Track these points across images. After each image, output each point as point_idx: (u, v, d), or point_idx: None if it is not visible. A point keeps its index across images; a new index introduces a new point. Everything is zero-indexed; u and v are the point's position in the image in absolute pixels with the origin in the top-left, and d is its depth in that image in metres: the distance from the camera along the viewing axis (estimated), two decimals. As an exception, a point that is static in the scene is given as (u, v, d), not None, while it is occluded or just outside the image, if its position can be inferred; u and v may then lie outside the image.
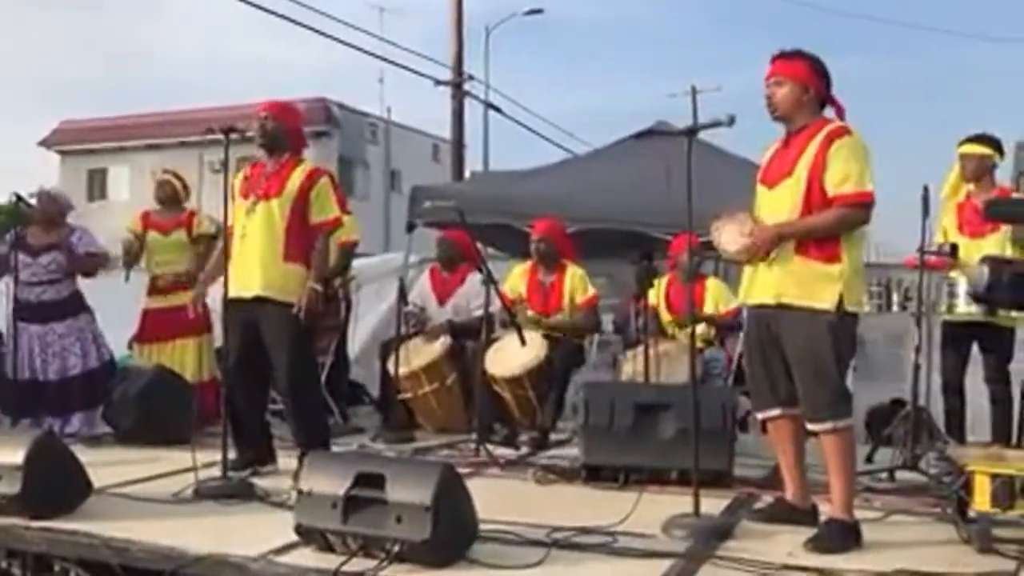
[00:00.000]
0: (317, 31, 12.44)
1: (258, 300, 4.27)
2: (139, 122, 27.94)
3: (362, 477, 3.02)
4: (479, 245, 5.57)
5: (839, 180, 3.27)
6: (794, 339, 3.33)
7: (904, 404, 5.61)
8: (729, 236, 3.41)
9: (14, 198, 5.57)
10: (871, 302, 7.74)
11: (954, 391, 4.99)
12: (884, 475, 4.46)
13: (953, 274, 4.93)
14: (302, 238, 4.32)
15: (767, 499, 3.89)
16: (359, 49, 13.66)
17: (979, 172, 4.93)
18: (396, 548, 2.90)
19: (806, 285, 3.29)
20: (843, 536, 3.27)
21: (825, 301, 3.27)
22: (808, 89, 3.40)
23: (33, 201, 5.74)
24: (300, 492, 3.11)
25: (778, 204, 3.38)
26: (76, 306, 5.75)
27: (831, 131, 3.33)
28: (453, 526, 2.96)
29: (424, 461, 3.40)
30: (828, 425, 3.28)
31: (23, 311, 5.47)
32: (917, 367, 4.70)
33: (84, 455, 4.72)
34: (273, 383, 4.52)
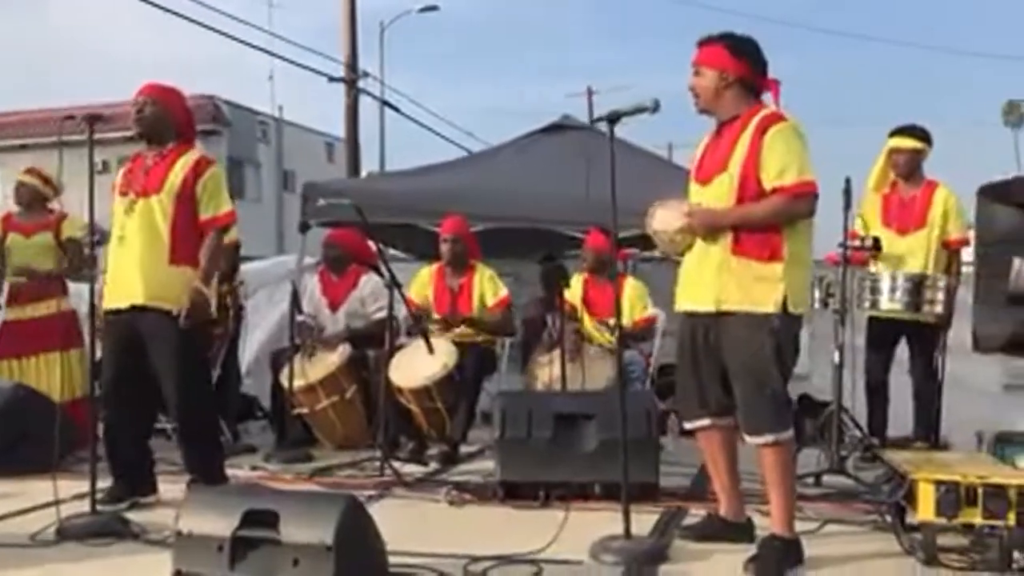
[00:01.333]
0: (201, 24, 11.77)
1: (139, 309, 3.79)
2: (10, 120, 26.32)
3: (252, 515, 2.60)
4: (380, 246, 5.13)
5: (776, 172, 3.02)
6: (735, 347, 3.07)
7: (812, 400, 5.51)
8: (663, 218, 3.13)
9: None
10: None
11: (877, 389, 4.86)
12: (810, 480, 4.27)
13: (874, 268, 4.80)
14: (189, 238, 3.85)
15: (696, 511, 3.65)
16: (248, 44, 13.14)
17: (912, 166, 4.82)
18: (293, 596, 2.50)
19: (746, 288, 3.03)
20: (785, 554, 3.04)
21: (768, 304, 3.02)
22: (726, 76, 3.14)
23: None
24: (179, 534, 2.67)
25: (714, 200, 3.12)
26: None
27: (763, 119, 3.08)
28: (359, 567, 2.58)
29: (323, 494, 3.01)
30: (768, 438, 3.03)
31: None
32: (840, 366, 4.54)
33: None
34: (162, 402, 4.03)
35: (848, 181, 4.46)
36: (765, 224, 3.04)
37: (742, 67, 3.15)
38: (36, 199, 5.52)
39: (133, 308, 3.81)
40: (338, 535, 2.50)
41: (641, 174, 6.07)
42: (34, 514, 3.68)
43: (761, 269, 3.03)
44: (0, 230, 5.48)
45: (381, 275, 4.97)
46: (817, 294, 4.56)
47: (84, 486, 3.64)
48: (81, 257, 5.20)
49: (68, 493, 3.65)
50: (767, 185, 3.03)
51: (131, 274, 3.81)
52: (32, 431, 4.61)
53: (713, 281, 3.08)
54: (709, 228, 3.08)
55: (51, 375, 5.22)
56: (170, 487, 3.98)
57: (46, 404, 4.85)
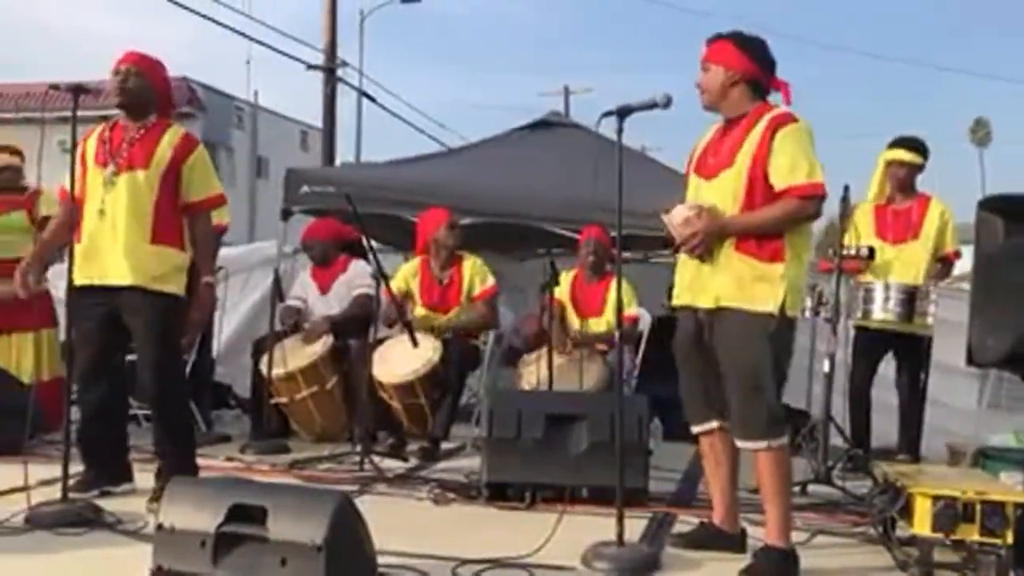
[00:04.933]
0: (179, 4, 11.54)
1: (119, 288, 3.64)
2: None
3: (238, 509, 2.49)
4: (369, 238, 5.00)
5: (787, 171, 2.95)
6: (729, 346, 3.00)
7: (789, 409, 5.47)
8: (677, 211, 3.05)
9: None
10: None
11: (861, 400, 4.84)
12: (796, 489, 4.22)
13: (866, 279, 4.77)
14: (172, 216, 3.71)
15: (685, 519, 3.58)
16: (225, 26, 12.82)
17: (910, 179, 4.81)
18: (279, 596, 2.40)
19: (746, 286, 2.97)
20: (781, 565, 2.98)
21: (766, 304, 2.96)
22: (734, 73, 3.08)
23: None
24: (160, 527, 2.55)
25: (719, 196, 3.04)
26: None
27: (774, 118, 3.02)
28: (350, 569, 2.48)
29: (314, 490, 2.88)
30: (762, 444, 2.97)
31: None
32: (829, 375, 4.50)
33: None
34: (136, 384, 3.89)
35: (846, 189, 4.42)
36: (773, 230, 2.98)
37: (750, 65, 3.10)
38: (13, 177, 5.34)
39: (112, 287, 3.65)
40: (329, 535, 2.39)
41: (628, 173, 6.01)
42: (1, 499, 3.53)
43: (763, 268, 2.97)
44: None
45: (367, 261, 4.86)
46: (809, 302, 4.51)
47: (53, 471, 3.51)
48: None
49: (36, 479, 3.50)
50: (777, 185, 2.97)
51: (112, 251, 3.65)
52: (0, 413, 4.45)
53: (713, 278, 3.02)
54: (714, 235, 3.00)
55: (22, 355, 5.06)
56: (139, 475, 3.85)
57: (16, 386, 4.69)
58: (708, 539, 3.26)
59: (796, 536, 3.32)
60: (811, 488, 4.25)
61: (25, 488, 3.35)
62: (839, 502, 4.08)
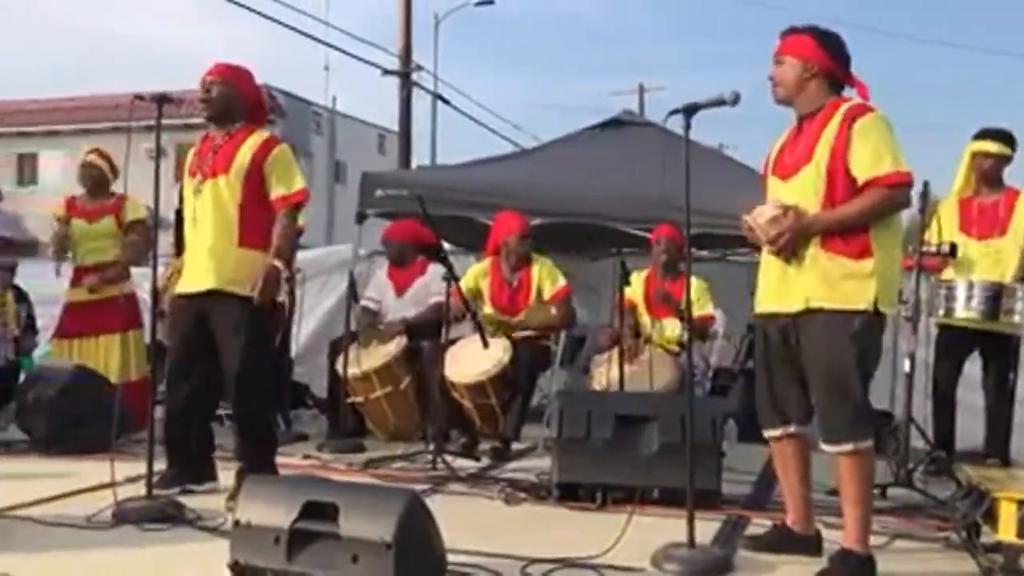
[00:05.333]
0: (259, 13, 11.84)
1: (209, 293, 3.75)
2: (71, 105, 26.81)
3: (311, 507, 2.54)
4: (442, 240, 5.06)
5: (871, 161, 2.88)
6: (816, 349, 2.93)
7: (875, 411, 5.33)
8: (760, 209, 2.99)
9: None
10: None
11: (945, 401, 4.69)
12: (876, 492, 4.12)
13: (948, 276, 4.63)
14: (259, 219, 3.77)
15: (759, 522, 3.52)
16: (304, 34, 13.13)
17: (997, 172, 4.64)
18: (351, 592, 2.44)
19: (836, 285, 2.89)
20: (858, 570, 2.91)
21: (858, 302, 2.88)
22: (811, 66, 3.02)
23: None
24: (237, 523, 2.62)
25: (799, 195, 2.98)
26: None
27: (851, 108, 2.95)
28: (419, 567, 2.51)
29: (385, 488, 2.93)
30: (848, 447, 2.89)
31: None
32: (910, 375, 4.38)
33: (-11, 467, 4.24)
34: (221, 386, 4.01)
35: (926, 185, 4.29)
36: (861, 223, 2.90)
37: (827, 59, 3.04)
38: (101, 182, 5.55)
39: (204, 292, 3.77)
40: (399, 532, 2.42)
41: (702, 171, 5.93)
42: (91, 495, 3.67)
43: (852, 266, 2.89)
44: (64, 214, 5.53)
45: (444, 264, 4.90)
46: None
47: (138, 468, 3.63)
48: (146, 239, 5.22)
49: (123, 476, 3.63)
50: (860, 176, 2.89)
51: (203, 257, 3.77)
52: (89, 412, 4.64)
53: (801, 279, 2.95)
54: (801, 234, 2.92)
55: (110, 356, 5.25)
56: (222, 473, 3.96)
57: (104, 386, 4.87)
58: (782, 542, 3.20)
59: (874, 540, 3.24)
60: (891, 492, 4.14)
61: (112, 484, 3.47)
62: (920, 506, 3.98)
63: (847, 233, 2.90)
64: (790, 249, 2.94)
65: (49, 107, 27.17)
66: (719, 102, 3.06)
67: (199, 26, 60.64)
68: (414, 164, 15.00)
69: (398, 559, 2.41)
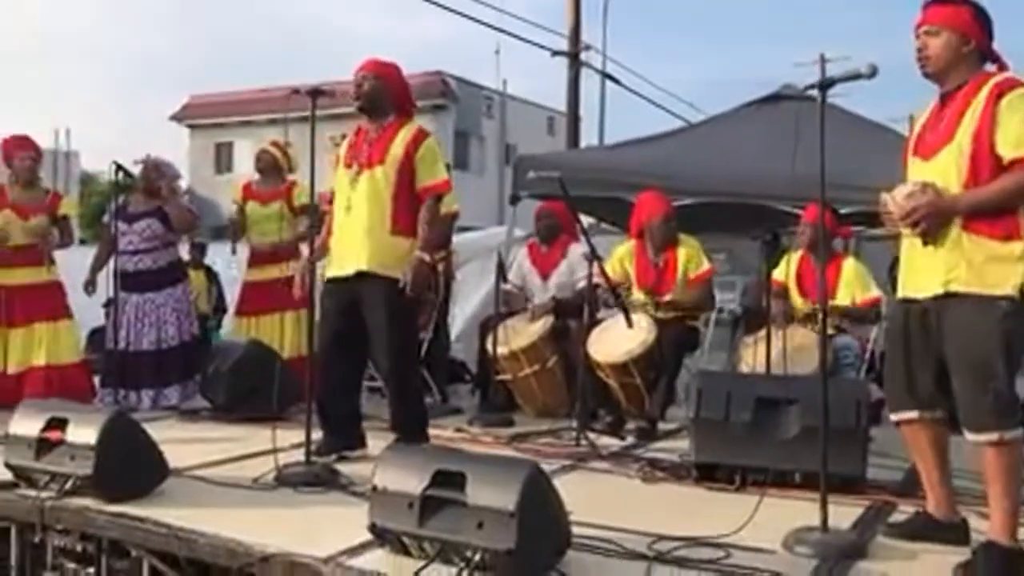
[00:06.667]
0: (440, 4, 12.14)
1: (361, 275, 4.00)
2: (262, 96, 28.45)
3: (441, 475, 2.69)
4: (580, 220, 5.11)
5: (1017, 139, 2.72)
6: (959, 334, 2.80)
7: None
8: (902, 190, 2.87)
9: (114, 168, 5.50)
10: None
11: None
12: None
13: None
14: (410, 207, 4.03)
15: (906, 509, 3.40)
16: (474, 19, 13.45)
17: None
18: (477, 557, 2.57)
19: (979, 269, 2.76)
20: (1004, 564, 2.76)
21: (1003, 287, 2.74)
22: (969, 40, 2.86)
23: (137, 169, 5.71)
24: (375, 489, 2.81)
25: (940, 175, 2.84)
26: (173, 276, 5.69)
27: (999, 83, 2.79)
28: (541, 535, 2.61)
29: (510, 459, 3.05)
30: (993, 436, 2.75)
31: (122, 281, 5.44)
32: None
33: (173, 431, 4.70)
34: (373, 364, 4.27)
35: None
36: (1002, 205, 2.75)
37: (983, 33, 2.89)
38: (274, 168, 5.97)
39: (355, 274, 4.01)
40: (521, 503, 2.52)
41: (865, 146, 5.70)
42: (257, 459, 4.00)
43: (997, 248, 2.75)
44: (240, 197, 5.99)
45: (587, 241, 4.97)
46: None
47: (300, 436, 3.91)
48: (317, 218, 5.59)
49: (285, 442, 3.93)
50: (1007, 155, 2.74)
51: (357, 241, 4.01)
52: (262, 384, 5.00)
53: (942, 261, 2.82)
54: (941, 212, 2.80)
55: (285, 333, 5.65)
56: (379, 443, 4.20)
57: (273, 359, 5.25)
58: (925, 529, 3.09)
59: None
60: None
61: (274, 451, 3.78)
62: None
63: (993, 214, 2.75)
64: (927, 227, 2.82)
65: (244, 98, 28.95)
66: (856, 76, 2.97)
67: (374, 17, 62.91)
68: (583, 145, 15.02)
69: (521, 527, 2.52)
